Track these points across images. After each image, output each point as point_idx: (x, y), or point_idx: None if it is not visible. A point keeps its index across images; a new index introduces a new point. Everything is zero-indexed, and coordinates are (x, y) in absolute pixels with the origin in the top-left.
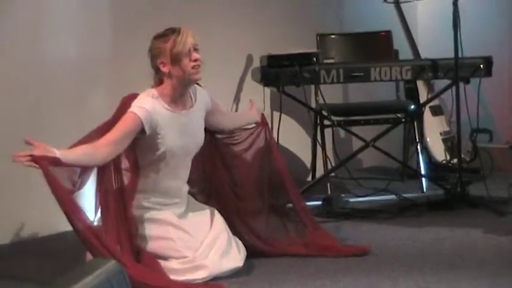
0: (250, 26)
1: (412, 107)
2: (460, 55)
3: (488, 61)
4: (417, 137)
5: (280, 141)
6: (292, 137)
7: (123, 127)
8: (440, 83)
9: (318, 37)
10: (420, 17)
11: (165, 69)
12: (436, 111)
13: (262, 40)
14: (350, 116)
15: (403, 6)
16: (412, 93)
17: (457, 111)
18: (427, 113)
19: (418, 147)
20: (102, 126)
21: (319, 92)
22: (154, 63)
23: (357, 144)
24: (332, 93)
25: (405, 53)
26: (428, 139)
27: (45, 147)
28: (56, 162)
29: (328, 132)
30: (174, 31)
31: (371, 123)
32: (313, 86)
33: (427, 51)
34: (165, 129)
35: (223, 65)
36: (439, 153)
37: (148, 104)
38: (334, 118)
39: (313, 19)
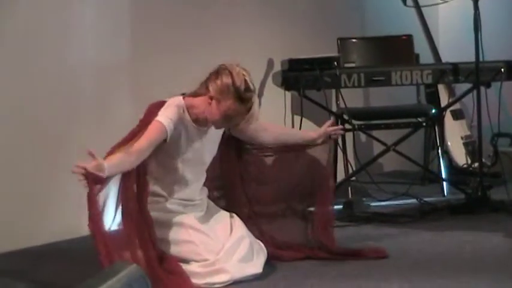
0: (271, 30)
1: (433, 111)
2: (481, 59)
3: (509, 65)
4: (438, 141)
5: None
6: None
7: (150, 136)
8: (461, 87)
9: (339, 41)
10: (441, 20)
11: (208, 102)
12: (457, 115)
13: (283, 44)
14: (371, 120)
15: (424, 10)
16: (433, 97)
17: (478, 115)
18: (448, 117)
19: (439, 151)
20: (130, 135)
21: (340, 96)
22: (209, 87)
23: (377, 148)
24: (353, 97)
25: (426, 57)
26: (449, 143)
27: (98, 164)
28: (101, 181)
29: (349, 136)
30: (248, 102)
31: (392, 128)
32: (334, 90)
33: (448, 55)
34: (183, 140)
35: None
36: (460, 157)
37: (175, 115)
38: (355, 122)
39: (334, 23)
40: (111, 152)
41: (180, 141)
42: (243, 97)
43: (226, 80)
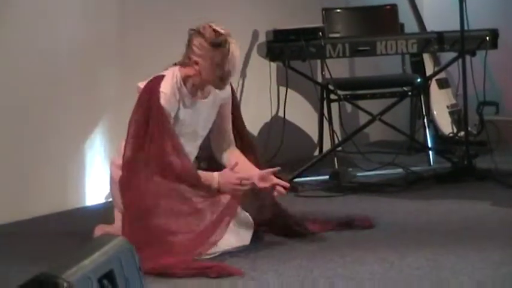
0: (256, 1)
1: (419, 80)
2: (466, 27)
3: (494, 33)
4: (424, 111)
5: (286, 117)
6: (299, 111)
7: (169, 122)
8: (446, 56)
9: (324, 11)
10: None
11: (196, 67)
12: (443, 84)
13: (268, 15)
14: (356, 90)
15: None
16: (418, 67)
17: (464, 84)
18: (433, 86)
19: (425, 120)
20: (134, 121)
21: (325, 67)
22: (190, 56)
23: (363, 118)
24: (338, 68)
25: (411, 26)
26: (435, 112)
27: None
28: None
29: (334, 106)
30: (225, 44)
31: (377, 97)
32: (319, 61)
33: (432, 24)
34: (180, 113)
35: None
36: (446, 126)
37: (171, 91)
38: (340, 92)
39: None
40: (135, 148)
41: (177, 114)
42: (218, 42)
43: (198, 39)
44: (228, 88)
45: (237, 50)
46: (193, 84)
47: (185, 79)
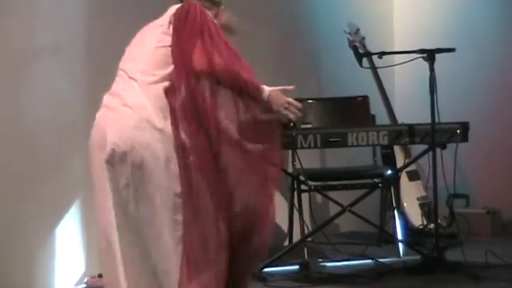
0: None
1: (389, 172)
2: (436, 120)
3: (464, 127)
4: (394, 202)
5: None
6: None
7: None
8: (417, 148)
9: None
10: (397, 82)
11: None
12: (413, 176)
13: None
14: (327, 181)
15: (380, 71)
16: (388, 158)
17: (434, 177)
18: (403, 178)
19: (395, 212)
20: None
21: (296, 157)
22: None
23: (334, 209)
24: (309, 158)
25: (382, 118)
26: (405, 204)
27: None
28: None
29: (305, 197)
30: None
31: (348, 188)
32: (290, 151)
33: (404, 116)
34: None
35: None
36: (416, 218)
37: None
38: (311, 183)
39: (291, 84)
40: None
41: None
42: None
43: None
44: None
45: None
46: None
47: None
